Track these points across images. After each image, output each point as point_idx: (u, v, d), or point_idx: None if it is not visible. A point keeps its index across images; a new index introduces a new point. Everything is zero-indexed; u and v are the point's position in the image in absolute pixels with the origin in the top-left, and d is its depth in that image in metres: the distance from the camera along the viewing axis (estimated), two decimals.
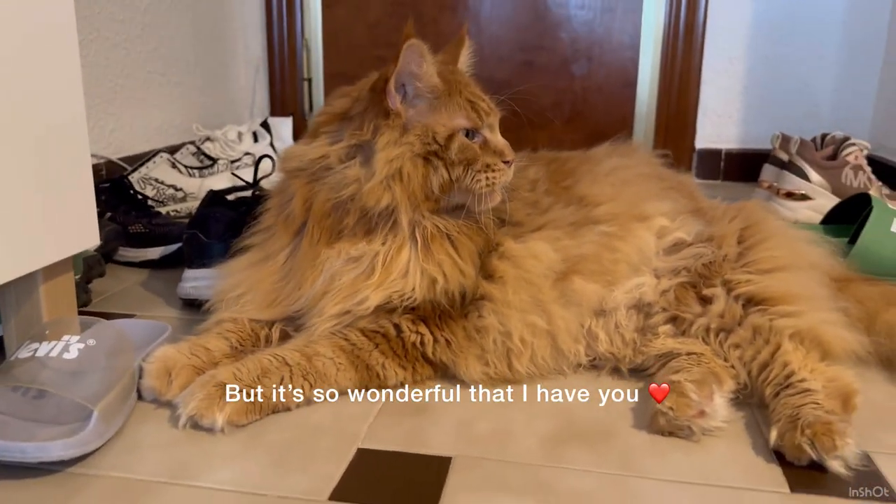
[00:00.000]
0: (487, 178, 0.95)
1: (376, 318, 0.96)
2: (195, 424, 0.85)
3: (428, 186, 0.95)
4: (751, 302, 0.97)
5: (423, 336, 0.96)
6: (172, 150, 2.03)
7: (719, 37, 2.42)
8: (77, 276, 1.18)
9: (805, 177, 1.87)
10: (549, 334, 0.98)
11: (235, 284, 1.02)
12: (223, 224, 1.18)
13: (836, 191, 1.86)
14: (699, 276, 1.01)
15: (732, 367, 0.94)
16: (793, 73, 2.42)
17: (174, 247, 1.45)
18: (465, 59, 1.06)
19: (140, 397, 0.92)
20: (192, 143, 2.10)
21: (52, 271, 0.98)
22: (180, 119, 2.27)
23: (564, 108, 2.55)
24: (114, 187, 1.54)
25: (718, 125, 2.49)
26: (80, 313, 1.09)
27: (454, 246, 0.98)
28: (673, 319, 1.00)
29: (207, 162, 1.96)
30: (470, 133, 0.96)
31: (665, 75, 2.46)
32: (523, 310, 0.97)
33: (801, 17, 2.38)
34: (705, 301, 0.99)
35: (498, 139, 0.99)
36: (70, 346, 0.87)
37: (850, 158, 1.86)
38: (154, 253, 1.47)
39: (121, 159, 1.98)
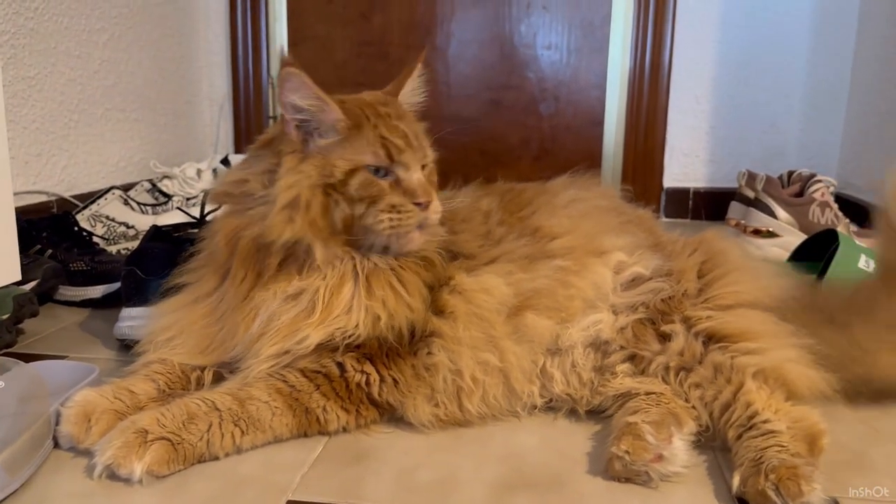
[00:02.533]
0: (391, 220, 0.90)
1: (318, 358, 0.90)
2: (112, 474, 0.78)
3: (330, 220, 0.91)
4: (711, 339, 0.92)
5: (369, 375, 0.90)
6: (127, 188, 1.97)
7: (685, 77, 2.43)
8: (4, 316, 1.11)
9: (772, 214, 1.85)
10: (501, 372, 0.92)
11: (166, 326, 0.96)
12: (162, 260, 1.12)
13: (803, 228, 1.84)
14: (658, 312, 0.96)
15: (693, 407, 0.89)
16: (759, 112, 2.43)
17: (117, 285, 1.38)
18: (412, 89, 1.01)
19: (56, 445, 0.85)
20: (149, 180, 2.04)
21: None
22: (139, 156, 2.21)
23: (532, 146, 2.54)
24: (56, 224, 1.48)
25: (686, 164, 2.49)
26: (2, 355, 1.02)
27: (400, 280, 0.93)
28: (631, 358, 0.95)
29: (162, 199, 1.90)
30: (379, 170, 0.91)
31: (632, 114, 2.46)
32: (474, 346, 0.91)
33: (764, 59, 2.40)
34: (664, 338, 0.94)
35: (412, 178, 0.92)
36: None
37: (817, 195, 1.85)
38: (96, 291, 1.40)
39: (74, 196, 1.91)
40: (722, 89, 2.43)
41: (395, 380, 0.90)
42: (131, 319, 1.15)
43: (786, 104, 2.42)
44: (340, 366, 0.90)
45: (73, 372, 0.99)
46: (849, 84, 2.36)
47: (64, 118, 1.91)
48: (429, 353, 0.92)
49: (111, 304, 1.39)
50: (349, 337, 0.89)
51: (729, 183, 2.39)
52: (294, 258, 0.92)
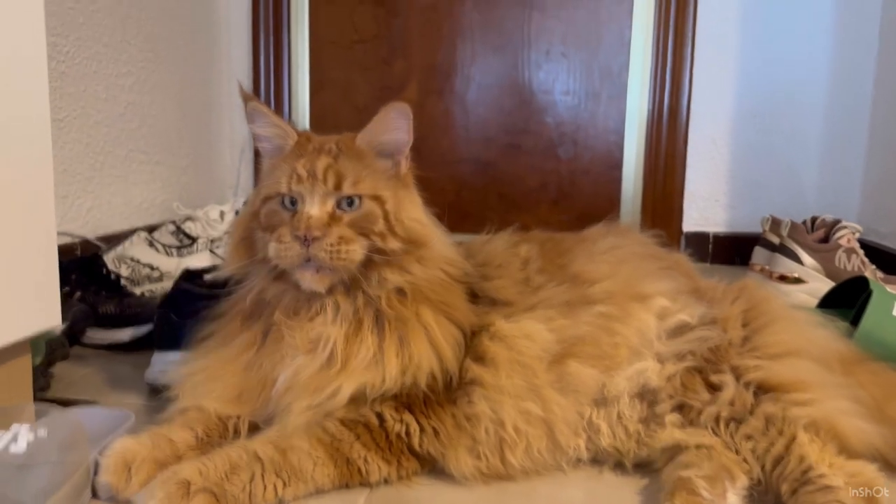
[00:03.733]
0: (276, 250, 0.89)
1: (356, 407, 0.89)
2: None
3: (252, 249, 0.95)
4: (761, 389, 0.91)
5: (409, 425, 0.88)
6: (151, 229, 1.97)
7: (703, 122, 2.44)
8: (37, 359, 1.10)
9: (798, 260, 1.84)
10: (544, 423, 0.90)
11: (199, 372, 0.95)
12: (196, 303, 1.11)
13: (829, 274, 1.82)
14: (705, 360, 0.94)
15: (745, 460, 0.87)
16: (777, 157, 2.44)
17: (145, 328, 1.37)
18: (376, 127, 0.95)
19: (94, 495, 0.83)
20: (172, 222, 2.04)
21: (7, 353, 0.91)
22: (162, 198, 2.22)
23: (550, 189, 2.54)
24: (85, 266, 1.48)
25: (704, 208, 2.49)
26: (37, 400, 1.01)
27: (424, 326, 0.92)
28: (680, 407, 0.93)
29: (186, 241, 1.90)
30: (286, 200, 0.92)
31: (650, 159, 2.47)
32: (517, 395, 0.90)
33: (782, 104, 2.41)
34: (713, 388, 0.92)
35: (302, 211, 0.89)
36: (19, 437, 0.79)
37: (843, 241, 1.84)
38: (124, 335, 1.39)
39: (98, 238, 1.91)
40: (740, 134, 2.44)
41: (435, 430, 0.89)
42: (164, 364, 1.14)
43: (804, 149, 2.43)
44: (379, 416, 0.88)
45: (108, 418, 0.97)
46: (867, 129, 2.37)
47: (90, 160, 1.93)
48: (469, 402, 0.90)
49: (139, 347, 1.38)
50: (380, 390, 0.88)
51: (748, 227, 2.39)
52: (293, 301, 0.94)
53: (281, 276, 0.93)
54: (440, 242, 0.97)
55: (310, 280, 0.90)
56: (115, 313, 1.40)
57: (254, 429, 0.92)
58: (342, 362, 0.89)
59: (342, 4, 2.54)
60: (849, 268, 1.83)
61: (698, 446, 0.88)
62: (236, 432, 0.92)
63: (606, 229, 1.15)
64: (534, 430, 0.89)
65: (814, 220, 1.95)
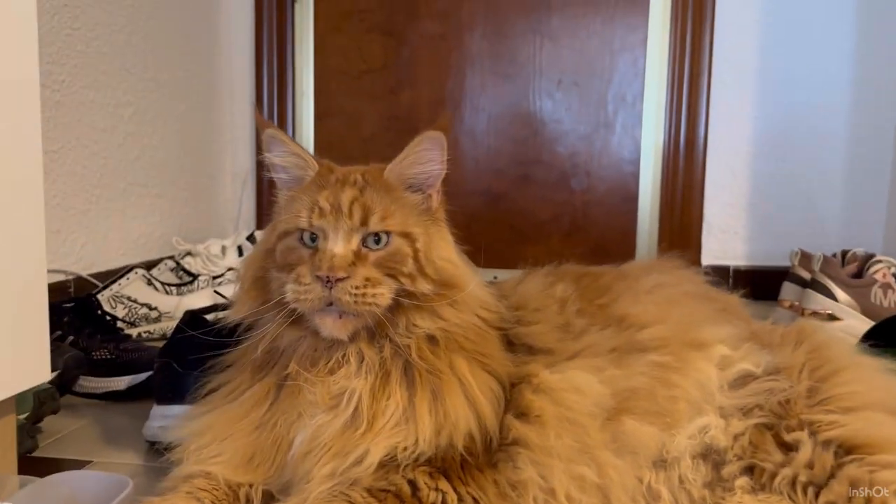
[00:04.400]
0: (293, 292, 0.79)
1: (385, 475, 0.78)
2: None
3: (267, 290, 0.85)
4: (842, 449, 0.80)
5: (446, 494, 0.77)
6: (149, 266, 1.87)
7: (721, 152, 2.37)
8: (23, 416, 0.99)
9: (831, 296, 1.75)
10: (600, 490, 0.80)
11: (205, 431, 0.85)
12: (201, 351, 1.00)
13: (865, 311, 1.73)
14: (775, 416, 0.84)
15: None
16: (798, 189, 2.36)
17: (143, 376, 1.26)
18: (406, 159, 0.86)
19: None
20: (171, 258, 1.95)
21: None
22: (160, 232, 2.13)
23: (563, 221, 2.46)
24: (79, 307, 1.37)
25: (724, 241, 2.40)
26: (22, 462, 0.90)
27: (459, 378, 0.82)
28: (749, 470, 0.83)
29: (187, 278, 1.81)
30: (306, 236, 0.83)
31: (667, 190, 2.39)
32: (568, 458, 0.79)
33: (802, 134, 2.34)
34: (787, 447, 0.82)
35: (324, 248, 0.80)
36: None
37: (878, 276, 1.75)
38: (120, 383, 1.29)
39: (92, 275, 1.81)
40: (759, 165, 2.37)
41: (475, 499, 0.78)
42: (164, 419, 1.03)
43: (824, 181, 2.36)
44: (412, 484, 0.77)
45: (103, 486, 0.85)
46: (892, 158, 2.30)
47: (85, 193, 1.83)
48: (514, 467, 0.79)
49: (136, 396, 1.27)
50: (412, 454, 0.78)
51: (770, 261, 2.30)
52: (311, 350, 0.84)
53: (298, 321, 0.83)
54: (474, 284, 0.88)
55: (331, 326, 0.81)
56: (110, 359, 1.30)
57: (268, 498, 0.81)
58: (368, 422, 0.79)
59: (349, 33, 2.48)
60: (885, 304, 1.74)
61: None
62: (248, 502, 0.81)
63: (649, 264, 1.06)
64: (588, 499, 0.79)
65: (844, 253, 1.86)
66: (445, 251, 0.88)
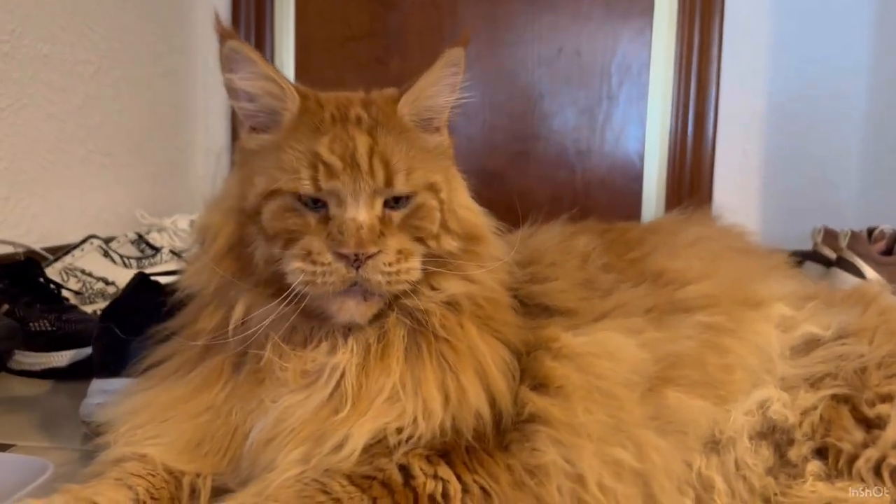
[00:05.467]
0: (304, 272, 0.63)
1: (370, 458, 0.62)
2: None
3: (247, 260, 0.67)
4: None
5: (447, 483, 0.61)
6: (108, 239, 1.69)
7: (732, 129, 2.23)
8: None
9: (860, 274, 1.60)
10: (640, 476, 0.64)
11: (140, 409, 0.68)
12: (149, 316, 0.83)
13: None
14: (851, 386, 0.69)
15: None
16: (814, 168, 2.22)
17: (88, 350, 1.09)
18: (428, 86, 0.71)
19: None
20: (136, 232, 1.77)
21: None
22: (124, 207, 1.94)
23: (564, 202, 2.30)
24: (17, 273, 1.19)
25: (735, 222, 2.25)
26: None
27: (470, 348, 0.66)
28: (821, 452, 0.67)
29: (149, 251, 1.63)
30: (306, 200, 0.65)
31: (674, 169, 2.24)
32: (601, 438, 0.64)
33: (819, 110, 2.20)
34: (869, 424, 0.67)
35: (343, 217, 0.64)
36: None
37: None
38: (61, 358, 1.13)
39: (46, 249, 1.63)
40: (773, 142, 2.22)
41: (484, 490, 0.62)
42: (104, 395, 0.86)
43: (843, 159, 2.21)
44: (404, 469, 0.62)
45: (17, 470, 0.71)
46: None
47: (39, 157, 1.65)
48: (533, 450, 0.64)
49: (80, 374, 1.10)
50: (407, 437, 0.62)
51: (785, 243, 2.13)
52: (289, 331, 0.67)
53: (278, 293, 0.66)
54: (493, 234, 0.72)
55: (353, 310, 0.65)
56: (50, 331, 1.13)
57: (220, 492, 0.64)
58: (353, 399, 0.63)
59: None
60: None
61: None
62: (194, 495, 0.64)
63: (684, 217, 0.91)
64: (626, 488, 0.63)
65: (870, 231, 1.72)
66: (464, 197, 0.74)
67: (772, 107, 2.22)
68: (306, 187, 0.64)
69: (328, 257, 0.62)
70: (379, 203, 0.65)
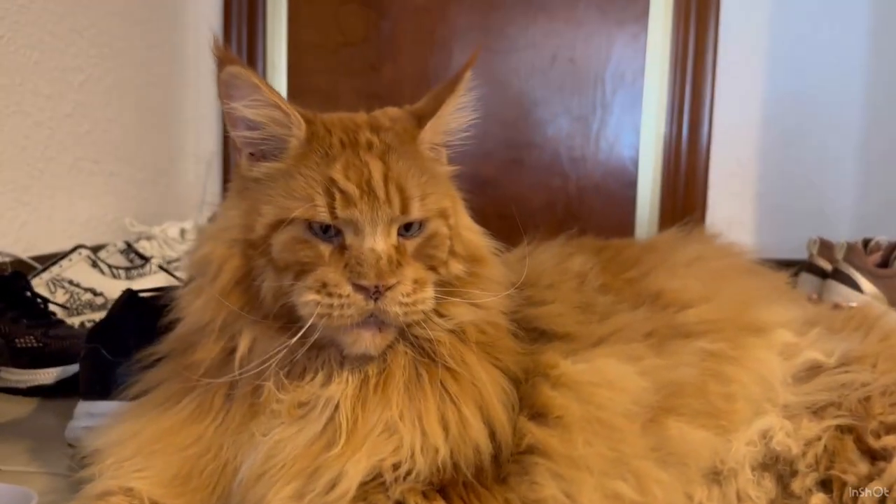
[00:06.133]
0: (319, 305, 0.61)
1: (364, 494, 0.61)
2: None
3: (253, 294, 0.64)
4: None
5: None
6: (96, 249, 1.67)
7: (727, 136, 2.22)
8: None
9: (856, 287, 1.60)
10: None
11: (127, 439, 0.66)
12: (137, 336, 0.81)
13: (893, 303, 1.58)
14: (855, 416, 0.67)
15: None
16: (808, 178, 2.22)
17: (76, 368, 1.06)
18: (452, 111, 0.71)
19: None
20: (125, 242, 1.74)
21: None
22: (113, 215, 1.92)
23: (557, 209, 2.29)
24: (2, 287, 1.17)
25: (729, 232, 2.23)
26: None
27: (472, 378, 0.65)
28: (825, 484, 0.66)
29: (138, 261, 1.61)
30: (319, 228, 0.63)
31: (668, 176, 2.24)
32: (601, 471, 0.62)
33: (815, 119, 2.20)
34: (874, 456, 0.65)
35: (362, 247, 0.62)
36: None
37: None
38: (48, 376, 1.10)
39: (33, 258, 1.61)
40: (768, 151, 2.22)
41: None
42: (90, 418, 0.85)
43: (838, 168, 2.21)
44: None
45: (2, 500, 0.68)
46: None
47: (27, 166, 1.63)
48: (532, 483, 0.62)
49: (67, 392, 1.07)
50: (404, 473, 0.61)
51: (780, 253, 2.12)
52: (291, 357, 0.64)
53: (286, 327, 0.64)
54: (494, 255, 0.71)
55: (369, 342, 0.63)
56: (37, 348, 1.10)
57: None
58: (347, 434, 0.61)
59: (326, 4, 2.30)
60: None
61: None
62: None
63: (683, 234, 0.89)
64: None
65: (866, 242, 1.71)
66: (467, 219, 0.73)
67: (767, 115, 2.21)
68: (322, 215, 0.62)
69: (347, 289, 0.60)
70: (395, 231, 0.64)
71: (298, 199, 0.63)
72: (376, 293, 0.60)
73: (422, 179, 0.65)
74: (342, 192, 0.62)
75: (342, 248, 0.62)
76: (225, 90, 0.66)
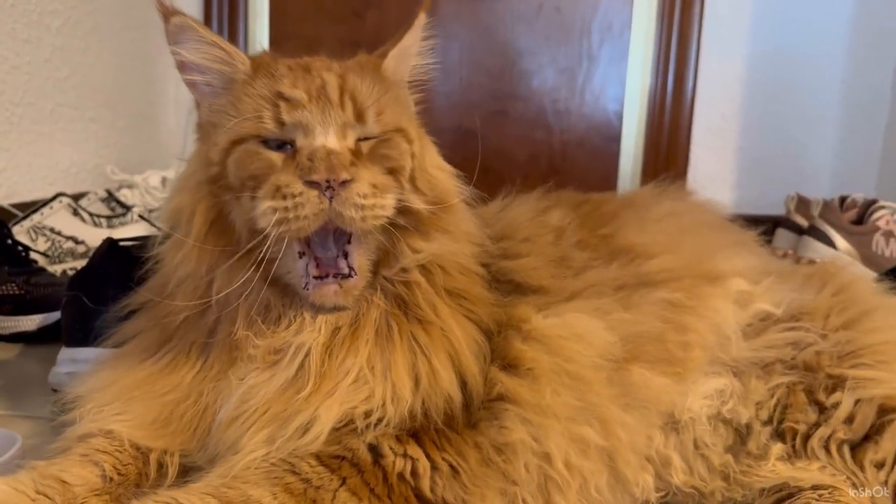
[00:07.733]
0: (277, 211, 0.60)
1: (339, 438, 0.62)
2: None
3: (231, 230, 0.65)
4: (883, 409, 0.67)
5: (416, 462, 0.62)
6: (78, 197, 1.66)
7: (711, 92, 2.22)
8: None
9: (830, 243, 1.63)
10: (605, 453, 0.66)
11: (108, 385, 0.67)
12: (118, 284, 0.82)
13: (865, 259, 1.61)
14: (805, 371, 0.71)
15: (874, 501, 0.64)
16: (790, 133, 2.23)
17: (57, 314, 1.08)
18: (408, 47, 0.73)
19: None
20: (105, 189, 1.74)
21: None
22: (94, 162, 1.91)
23: (541, 163, 2.29)
24: None
25: (710, 186, 2.25)
26: None
27: (442, 328, 0.67)
28: (780, 434, 0.69)
29: (119, 210, 1.60)
30: (272, 140, 0.64)
31: (652, 131, 2.23)
32: (568, 418, 0.64)
33: (797, 75, 2.19)
34: (822, 407, 0.68)
35: (312, 145, 0.62)
36: None
37: (881, 223, 1.63)
38: (30, 322, 1.12)
39: (13, 205, 1.60)
40: (751, 107, 2.22)
41: (453, 467, 0.63)
42: (73, 364, 0.86)
43: (819, 124, 2.22)
44: (374, 449, 0.62)
45: None
46: (888, 105, 2.17)
47: (5, 111, 1.61)
48: (501, 428, 0.65)
49: (49, 338, 1.10)
50: (375, 421, 0.62)
51: (759, 209, 2.16)
52: (266, 305, 0.66)
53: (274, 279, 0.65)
54: (463, 204, 0.72)
55: (330, 296, 0.64)
56: (18, 295, 1.11)
57: (188, 470, 0.65)
58: (315, 381, 0.63)
59: None
60: (886, 253, 1.62)
61: (816, 487, 0.64)
62: (161, 472, 0.65)
63: (660, 191, 0.91)
64: (591, 465, 0.64)
65: (843, 199, 1.73)
66: (435, 158, 0.73)
67: (751, 70, 2.21)
68: (269, 125, 0.63)
69: (298, 187, 0.60)
70: (351, 137, 0.64)
71: (247, 118, 0.64)
72: (329, 188, 0.60)
73: (382, 98, 0.66)
74: (287, 99, 0.63)
75: (295, 154, 0.63)
76: (173, 39, 0.68)
